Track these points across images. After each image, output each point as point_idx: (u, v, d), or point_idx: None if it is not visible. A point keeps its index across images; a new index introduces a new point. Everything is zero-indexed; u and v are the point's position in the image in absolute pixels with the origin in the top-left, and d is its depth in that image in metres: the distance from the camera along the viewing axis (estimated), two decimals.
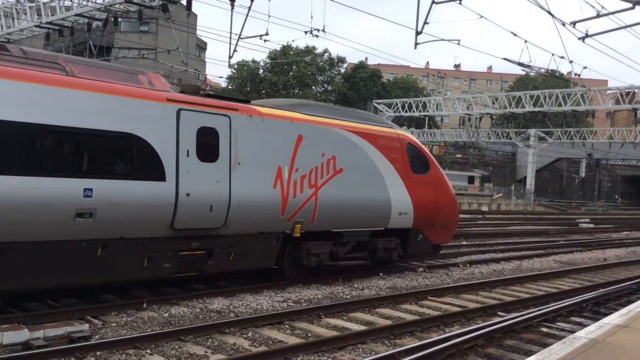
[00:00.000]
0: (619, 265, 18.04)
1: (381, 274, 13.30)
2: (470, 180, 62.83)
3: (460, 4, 16.58)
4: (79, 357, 6.76)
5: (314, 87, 67.61)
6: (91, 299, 9.45)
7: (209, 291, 10.42)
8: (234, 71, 63.96)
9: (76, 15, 22.12)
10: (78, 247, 8.40)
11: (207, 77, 63.91)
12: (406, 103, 54.97)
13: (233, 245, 10.30)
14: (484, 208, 48.83)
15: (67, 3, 22.84)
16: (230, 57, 22.02)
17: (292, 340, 7.98)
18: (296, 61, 61.38)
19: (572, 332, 8.04)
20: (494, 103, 51.10)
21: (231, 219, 9.99)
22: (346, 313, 9.72)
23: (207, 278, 10.95)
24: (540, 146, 61.59)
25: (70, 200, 8.11)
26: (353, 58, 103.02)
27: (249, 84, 65.25)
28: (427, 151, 14.76)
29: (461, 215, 30.67)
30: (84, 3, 21.75)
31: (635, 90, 43.63)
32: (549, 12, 15.89)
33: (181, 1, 20.64)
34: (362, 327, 8.88)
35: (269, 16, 22.42)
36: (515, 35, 19.80)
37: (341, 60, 69.20)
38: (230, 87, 64.24)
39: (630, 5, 14.97)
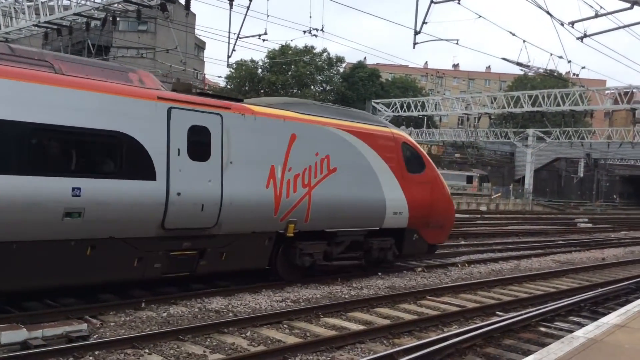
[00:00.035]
0: (617, 265, 18.06)
1: (380, 274, 13.30)
2: (469, 180, 62.88)
3: (458, 3, 16.55)
4: (77, 356, 6.75)
5: (312, 87, 67.48)
6: (90, 298, 9.42)
7: (208, 291, 10.40)
8: (233, 71, 64.09)
9: (74, 14, 22.04)
10: (66, 247, 8.28)
11: (206, 76, 63.96)
12: (405, 103, 54.91)
13: (225, 245, 10.19)
14: (483, 208, 48.90)
15: (66, 2, 22.83)
16: (228, 57, 21.97)
17: (291, 340, 7.98)
18: (295, 61, 61.30)
19: (571, 331, 8.04)
20: (492, 103, 51.08)
21: (223, 219, 9.89)
22: (345, 313, 9.72)
23: (205, 277, 10.91)
24: (538, 146, 61.69)
25: (59, 200, 7.99)
26: (352, 58, 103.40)
27: (247, 83, 65.14)
28: (423, 150, 14.69)
29: (459, 215, 30.76)
30: (83, 2, 21.68)
31: (634, 90, 43.63)
32: (548, 12, 15.89)
33: (180, 0, 20.60)
34: (361, 327, 8.87)
35: (268, 16, 22.54)
36: (513, 35, 19.82)
37: (340, 59, 69.14)
38: (228, 86, 64.18)
39: (628, 5, 14.98)
